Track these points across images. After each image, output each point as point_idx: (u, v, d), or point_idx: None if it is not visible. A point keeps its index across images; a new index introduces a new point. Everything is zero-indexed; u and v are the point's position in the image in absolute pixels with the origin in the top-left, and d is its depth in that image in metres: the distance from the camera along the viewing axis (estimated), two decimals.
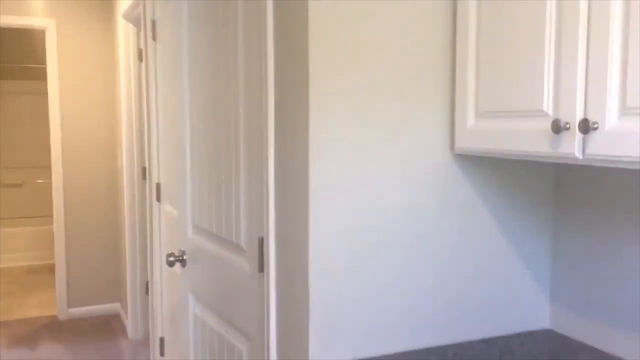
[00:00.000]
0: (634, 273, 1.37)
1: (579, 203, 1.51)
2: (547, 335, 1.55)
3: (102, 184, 4.81)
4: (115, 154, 4.78)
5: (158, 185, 2.97)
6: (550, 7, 1.14)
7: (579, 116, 1.08)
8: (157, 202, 3.00)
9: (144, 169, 4.14)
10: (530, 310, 1.58)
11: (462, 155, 1.47)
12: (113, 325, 4.64)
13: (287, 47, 1.41)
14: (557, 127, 1.10)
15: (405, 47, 1.39)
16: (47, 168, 6.83)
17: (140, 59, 4.04)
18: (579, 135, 1.07)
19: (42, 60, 6.46)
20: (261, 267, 1.59)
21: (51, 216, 6.54)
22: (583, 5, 1.07)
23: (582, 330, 1.50)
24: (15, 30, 6.49)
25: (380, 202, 1.39)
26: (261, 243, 1.58)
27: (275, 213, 1.51)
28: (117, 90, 4.56)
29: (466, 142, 1.39)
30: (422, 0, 1.39)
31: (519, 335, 1.55)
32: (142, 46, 4.05)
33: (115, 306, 4.89)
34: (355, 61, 1.34)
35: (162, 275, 3.01)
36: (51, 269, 6.34)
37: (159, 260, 3.04)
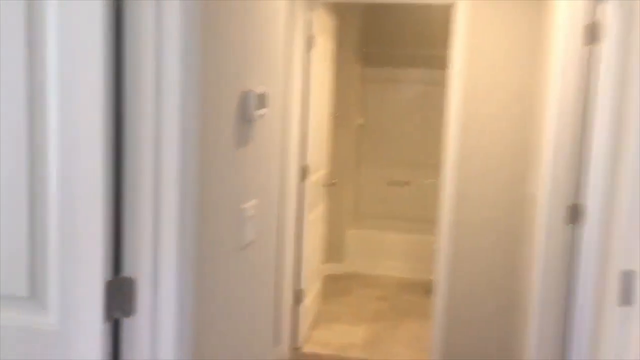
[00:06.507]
0: None
1: None
2: None
3: (501, 209, 3.63)
4: (523, 172, 3.53)
5: None
6: None
7: None
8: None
9: (571, 207, 2.77)
10: None
11: None
12: None
13: None
14: None
15: None
16: (431, 166, 5.92)
17: (589, 40, 2.64)
18: None
19: (435, 46, 5.53)
20: None
21: (431, 222, 5.55)
22: None
23: None
24: (413, 14, 5.78)
25: None
26: None
27: None
28: (542, 84, 3.27)
29: None
30: None
31: None
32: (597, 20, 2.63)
33: None
34: None
35: None
36: (425, 287, 5.45)
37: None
